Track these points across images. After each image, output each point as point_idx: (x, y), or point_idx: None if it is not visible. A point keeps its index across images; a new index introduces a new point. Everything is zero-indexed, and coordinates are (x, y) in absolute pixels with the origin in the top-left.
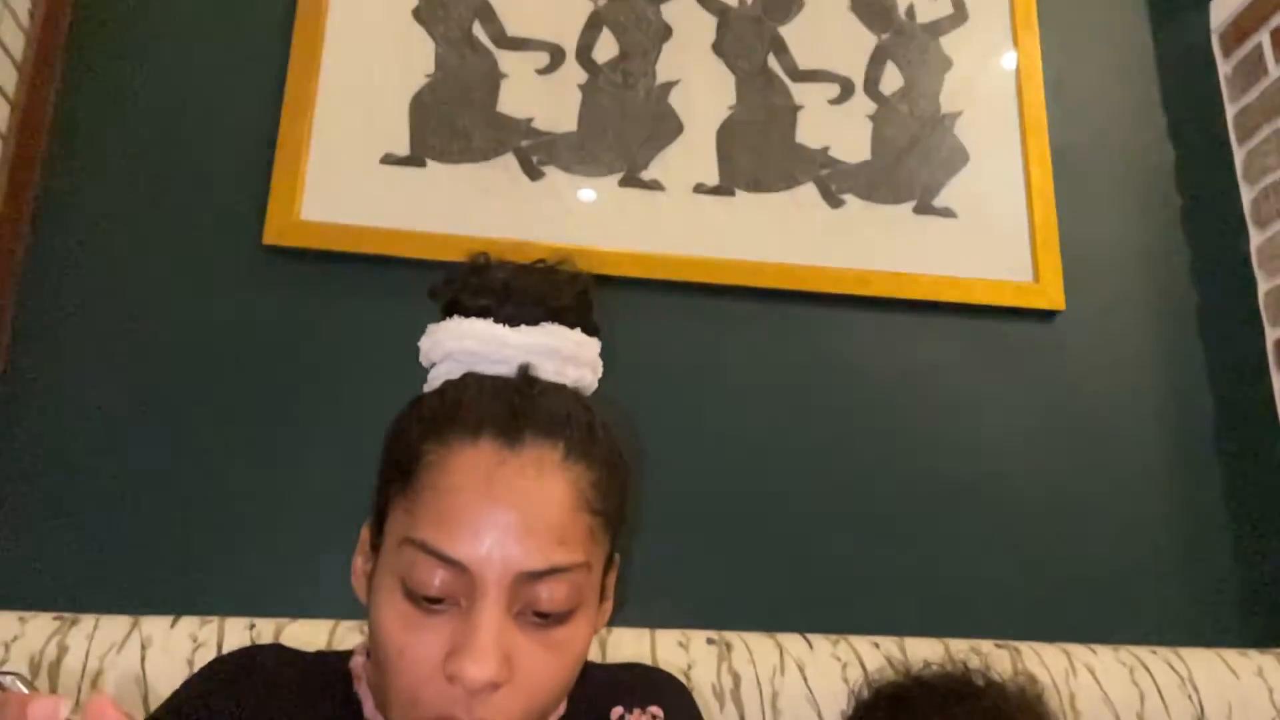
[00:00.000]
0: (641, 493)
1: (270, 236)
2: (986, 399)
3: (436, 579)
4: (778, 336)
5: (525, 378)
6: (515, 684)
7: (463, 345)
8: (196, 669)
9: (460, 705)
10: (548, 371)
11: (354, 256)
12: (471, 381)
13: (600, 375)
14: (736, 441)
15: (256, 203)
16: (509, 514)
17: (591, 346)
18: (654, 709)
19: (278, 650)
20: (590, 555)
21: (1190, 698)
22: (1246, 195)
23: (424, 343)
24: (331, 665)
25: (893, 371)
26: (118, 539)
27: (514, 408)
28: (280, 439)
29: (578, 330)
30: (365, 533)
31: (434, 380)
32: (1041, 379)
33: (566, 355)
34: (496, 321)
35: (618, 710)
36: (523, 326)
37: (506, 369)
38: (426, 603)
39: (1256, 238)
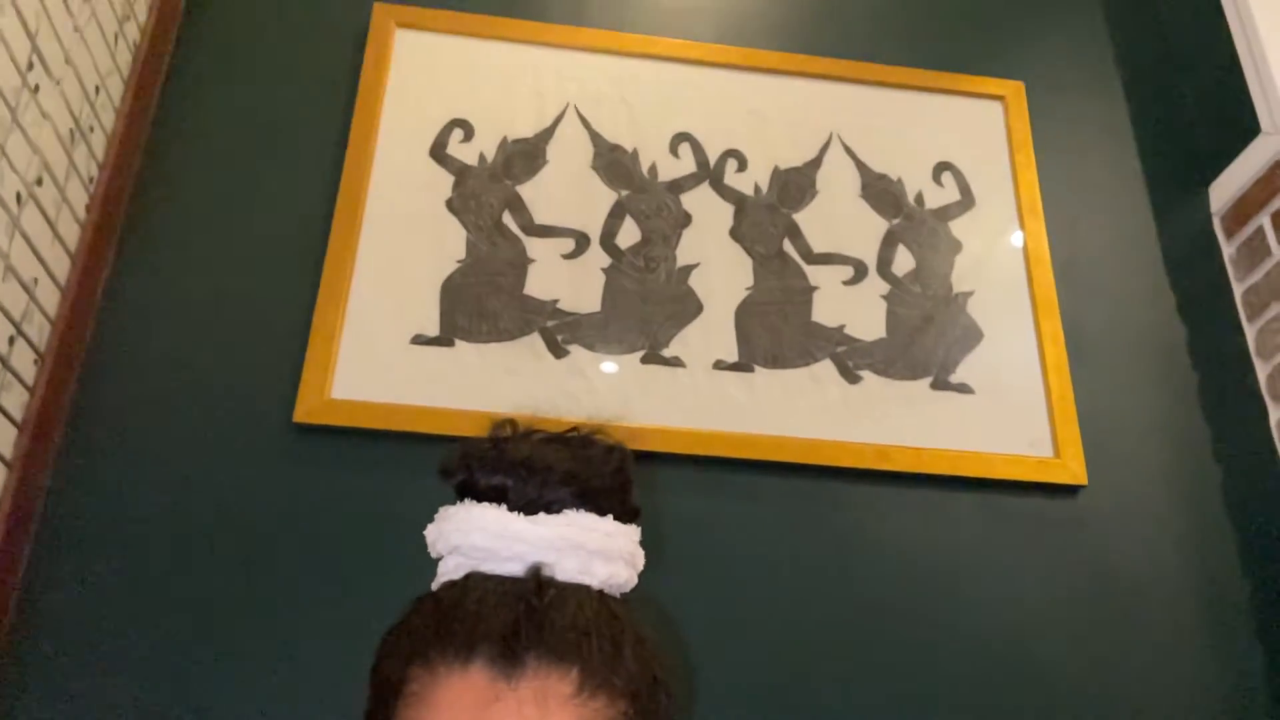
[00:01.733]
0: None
1: (301, 414)
2: (1011, 574)
3: None
4: (799, 511)
5: (536, 583)
6: None
7: (470, 539)
8: None
9: None
10: (569, 570)
11: (383, 434)
12: (472, 587)
13: (641, 568)
14: (756, 616)
15: (289, 382)
16: None
17: (627, 536)
18: None
19: None
20: None
21: None
22: (1262, 371)
23: (430, 532)
24: None
25: (914, 546)
26: (101, 684)
27: (516, 625)
28: (314, 616)
29: (609, 517)
30: None
31: (442, 576)
32: (1067, 554)
33: (593, 549)
34: (512, 508)
35: None
36: (541, 515)
37: (519, 567)
38: None
39: (1275, 412)
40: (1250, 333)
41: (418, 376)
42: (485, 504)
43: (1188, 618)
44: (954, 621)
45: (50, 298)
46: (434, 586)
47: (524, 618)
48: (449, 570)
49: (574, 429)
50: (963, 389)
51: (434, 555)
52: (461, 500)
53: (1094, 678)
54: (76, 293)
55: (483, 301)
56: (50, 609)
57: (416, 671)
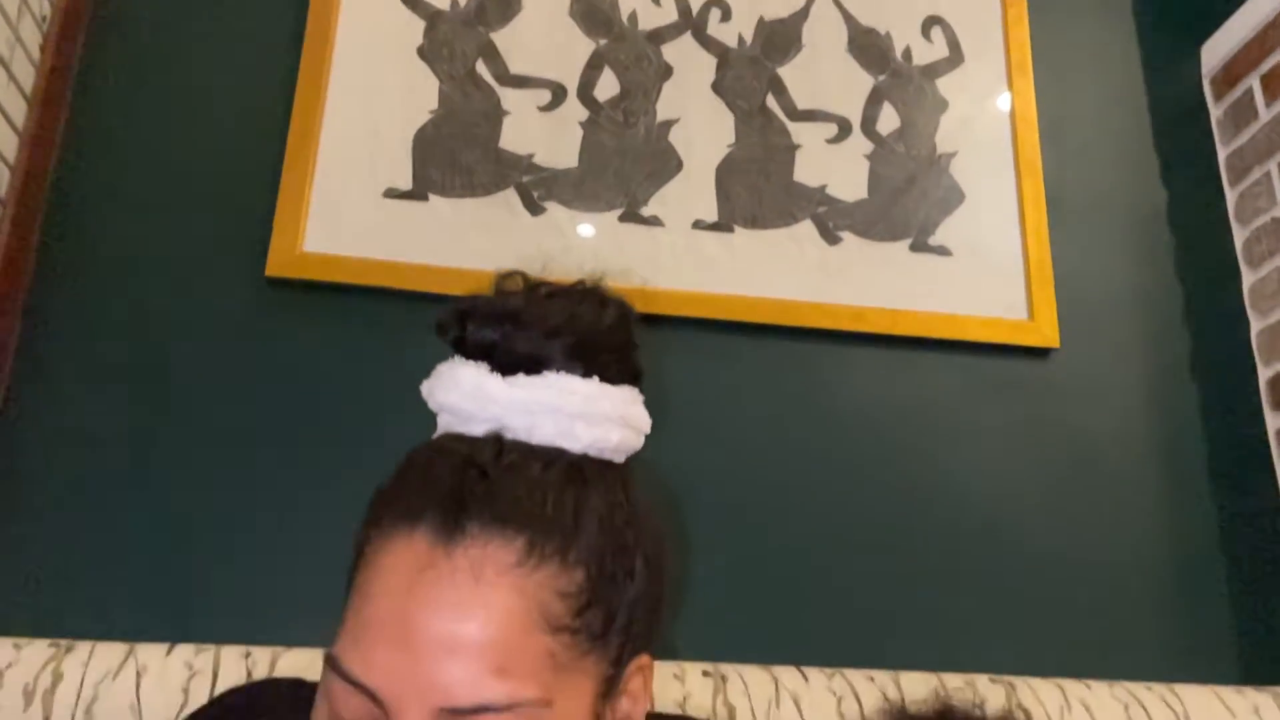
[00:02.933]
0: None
1: (273, 269)
2: (981, 435)
3: (348, 708)
4: (774, 372)
5: (496, 446)
6: None
7: (449, 399)
8: (191, 697)
9: None
10: (547, 434)
11: (356, 289)
12: (437, 449)
13: (645, 429)
14: (730, 475)
15: (260, 236)
16: (428, 632)
17: (617, 398)
18: None
19: (295, 687)
20: (549, 689)
21: None
22: (1239, 236)
23: (424, 388)
24: None
25: (888, 408)
26: (115, 567)
27: (462, 490)
28: (280, 471)
29: (594, 379)
30: None
31: (438, 431)
32: (1036, 416)
33: (573, 412)
34: (497, 366)
35: None
36: (520, 377)
37: (493, 429)
38: None
39: (1249, 278)
40: (1231, 198)
41: (391, 231)
42: (468, 362)
43: (1149, 477)
44: (925, 480)
45: (8, 143)
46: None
47: (471, 482)
48: (440, 428)
49: (579, 282)
50: (941, 251)
51: (435, 410)
52: (455, 356)
53: (1057, 534)
54: (34, 138)
55: (456, 154)
56: (15, 467)
57: (371, 533)
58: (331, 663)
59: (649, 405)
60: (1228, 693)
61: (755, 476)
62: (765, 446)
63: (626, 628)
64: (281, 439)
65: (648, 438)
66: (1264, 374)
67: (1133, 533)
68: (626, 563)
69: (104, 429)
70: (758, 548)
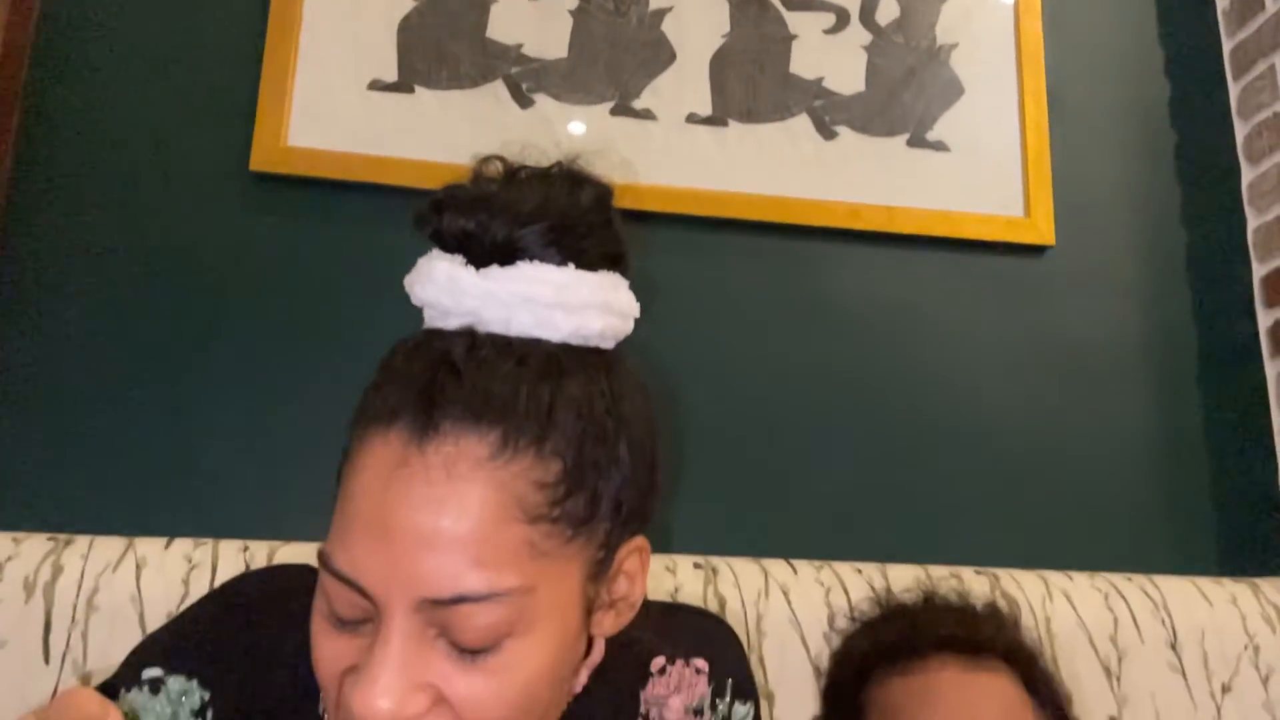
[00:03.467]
0: None
1: (257, 163)
2: (974, 332)
3: (342, 601)
4: (768, 270)
5: (468, 341)
6: (449, 712)
7: (426, 293)
8: (191, 589)
9: None
10: (524, 325)
11: (342, 184)
12: (414, 345)
13: (632, 314)
14: (722, 373)
15: (243, 130)
16: (405, 528)
17: (595, 284)
18: (699, 661)
19: (304, 574)
20: (532, 576)
21: (1163, 623)
22: (1240, 131)
23: (406, 282)
24: None
25: (881, 306)
26: (110, 462)
27: (432, 387)
28: (271, 363)
29: (570, 266)
30: None
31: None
32: (1029, 314)
33: (549, 302)
34: (473, 257)
35: (659, 660)
36: (493, 269)
37: (471, 324)
38: (344, 623)
39: (1248, 174)
40: (1234, 91)
41: (376, 125)
42: (444, 255)
43: (1138, 375)
44: (916, 378)
45: None
46: None
47: (443, 379)
48: (425, 322)
49: (555, 164)
50: (939, 147)
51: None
52: (434, 249)
53: (1045, 431)
54: (8, 28)
55: (442, 44)
56: (9, 363)
57: (355, 433)
58: (323, 559)
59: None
60: (1206, 583)
61: (747, 375)
62: (758, 345)
63: (614, 512)
64: (269, 335)
65: (640, 335)
66: (1258, 271)
67: (1118, 429)
68: (609, 450)
69: (94, 327)
70: (749, 444)
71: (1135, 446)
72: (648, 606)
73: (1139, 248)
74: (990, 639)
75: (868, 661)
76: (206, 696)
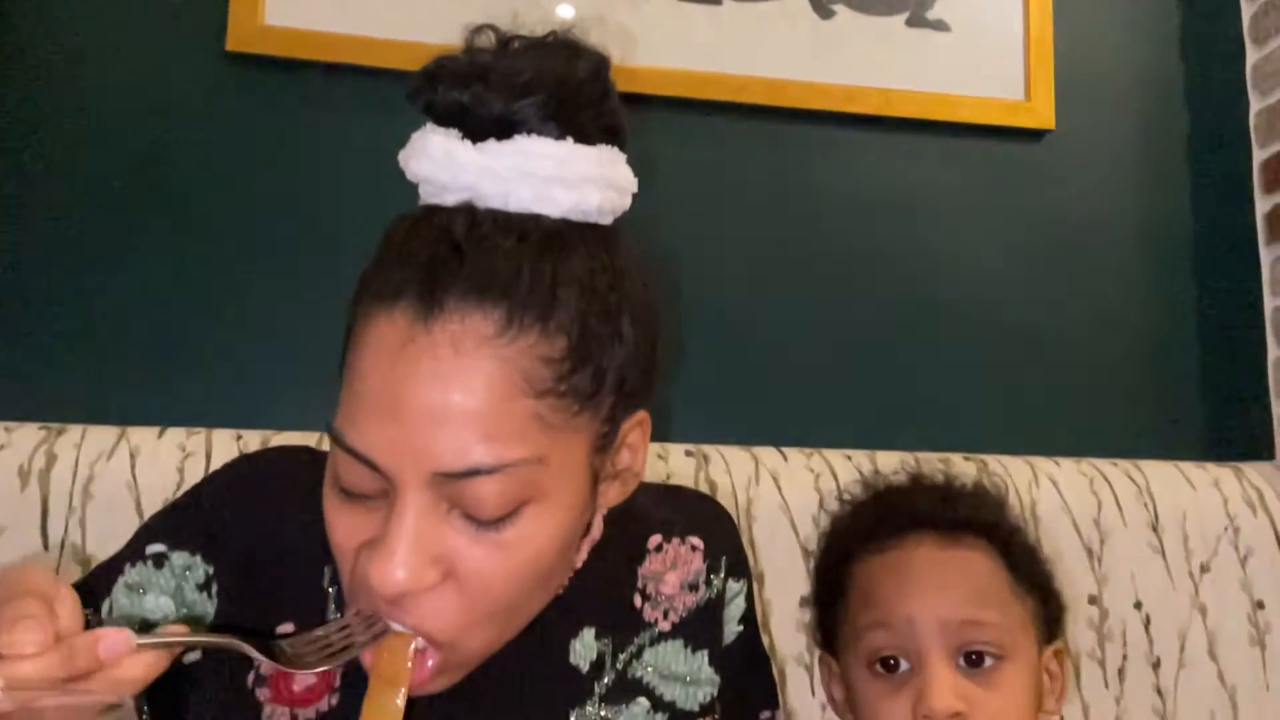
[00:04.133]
0: None
1: (233, 43)
2: (968, 219)
3: (356, 476)
4: (761, 155)
5: (469, 217)
6: (453, 586)
7: (421, 169)
8: (186, 477)
9: (390, 611)
10: (523, 200)
11: (323, 65)
12: (413, 223)
13: (630, 189)
14: (715, 262)
15: (219, 8)
16: (415, 405)
17: (593, 158)
18: (694, 539)
19: (302, 455)
20: (541, 447)
21: (1146, 506)
22: (1247, 11)
23: (401, 157)
24: None
25: (876, 192)
26: (98, 353)
27: (435, 264)
28: (257, 250)
29: (568, 140)
30: None
31: (421, 202)
32: (1026, 199)
33: (548, 176)
34: (469, 131)
35: (655, 538)
36: (490, 142)
37: (469, 199)
38: (356, 497)
39: (1253, 55)
40: None
41: (356, 3)
42: (439, 129)
43: (1134, 261)
44: (909, 265)
45: None
46: None
47: (445, 257)
48: (421, 199)
49: (551, 33)
50: (939, 26)
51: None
52: (428, 123)
53: (1037, 318)
54: None
55: None
56: None
57: (357, 312)
58: (335, 435)
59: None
60: (1190, 467)
61: (740, 262)
62: (750, 231)
63: (618, 387)
64: (253, 221)
65: (631, 221)
66: (1259, 156)
67: (1112, 316)
68: (612, 325)
69: (78, 214)
70: (741, 332)
71: (1128, 333)
72: (644, 487)
73: (1139, 132)
74: (969, 517)
75: (850, 541)
76: (211, 571)
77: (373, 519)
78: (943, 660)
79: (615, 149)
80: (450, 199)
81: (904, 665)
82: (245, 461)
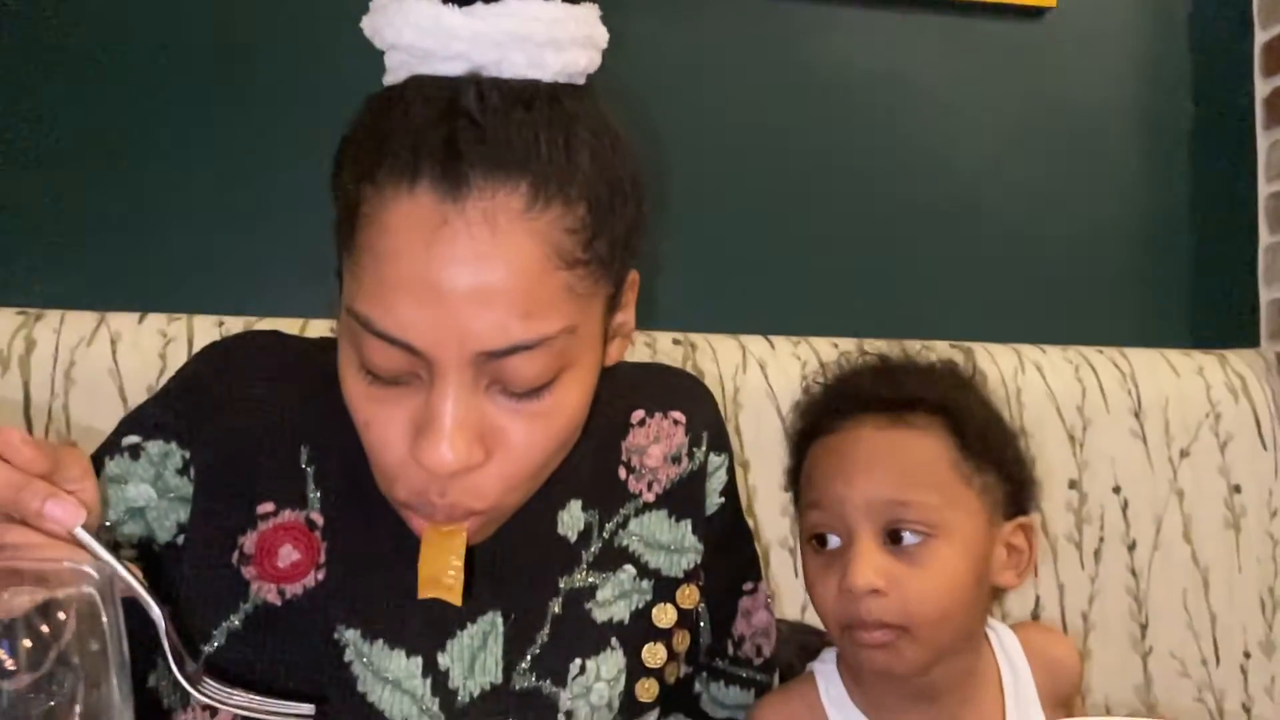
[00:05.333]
0: None
1: None
2: (963, 101)
3: (388, 359)
4: (749, 33)
5: (476, 90)
6: (497, 460)
7: (403, 37)
8: (169, 363)
9: (434, 488)
10: (517, 66)
11: None
12: (410, 96)
13: (603, 46)
14: (704, 142)
15: None
16: (455, 286)
17: (581, 17)
18: (675, 413)
19: (280, 337)
20: (572, 317)
21: (1129, 393)
22: None
23: (366, 25)
24: (333, 356)
25: (869, 72)
26: (76, 236)
27: (455, 141)
28: (239, 132)
29: (555, 1)
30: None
31: (389, 71)
32: (1022, 81)
33: (541, 40)
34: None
35: (638, 413)
36: (478, 6)
37: (461, 67)
38: (385, 380)
39: None
40: None
41: None
42: None
43: (1129, 146)
44: (900, 148)
45: None
46: (385, 82)
47: (463, 132)
48: (395, 66)
49: None
50: None
51: (381, 47)
52: None
53: (1029, 204)
54: None
55: None
56: None
57: (367, 191)
58: (363, 320)
59: (621, 60)
60: (1175, 355)
61: (726, 146)
62: (738, 113)
63: (625, 247)
64: (233, 100)
65: (617, 100)
66: (1260, 38)
67: (1104, 202)
68: (620, 187)
69: (57, 94)
70: (727, 218)
71: (1120, 219)
72: (627, 364)
73: (1139, 11)
74: (916, 395)
75: (805, 425)
76: (187, 455)
77: (406, 403)
78: (868, 538)
79: (592, 4)
80: (440, 67)
81: (834, 542)
82: (213, 348)
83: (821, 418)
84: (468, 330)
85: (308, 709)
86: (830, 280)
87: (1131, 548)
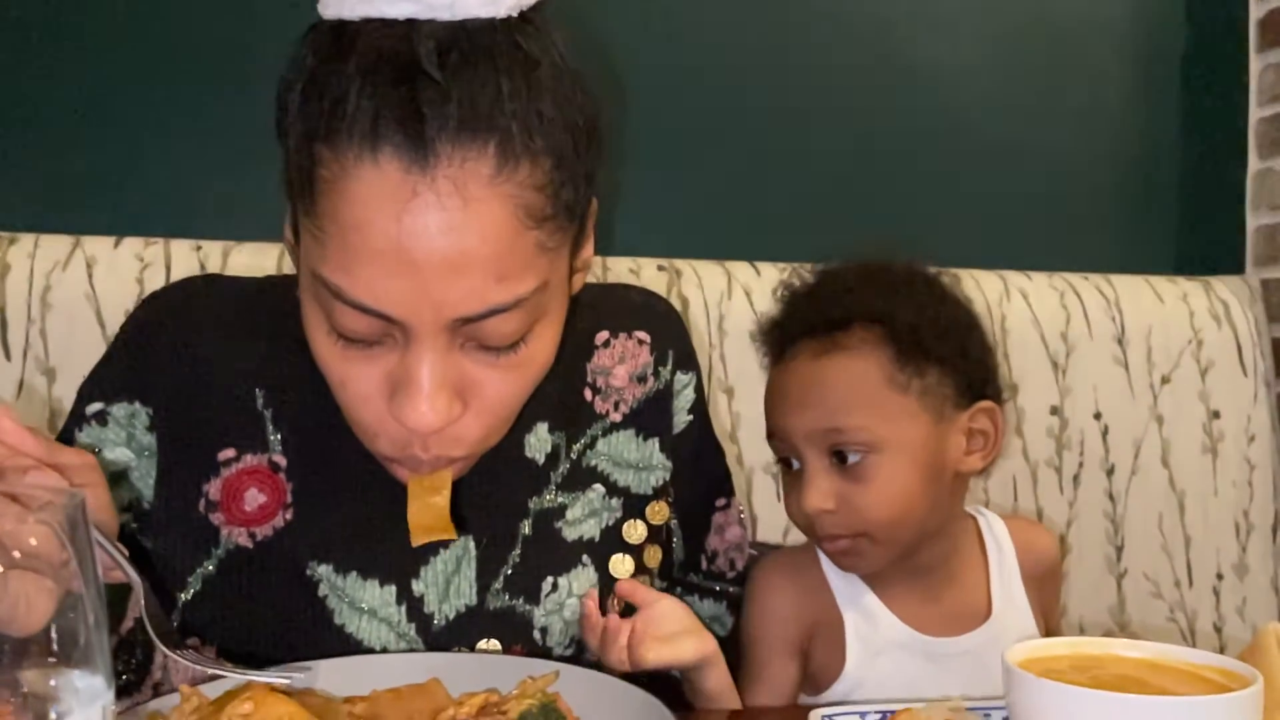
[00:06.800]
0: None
1: None
2: (952, 20)
3: (361, 325)
4: None
5: (435, 43)
6: (475, 410)
7: None
8: (147, 287)
9: (417, 443)
10: (470, 6)
11: None
12: (360, 46)
13: None
14: (686, 67)
15: None
16: (429, 257)
17: None
18: (640, 333)
19: (217, 281)
20: (545, 272)
21: (1113, 319)
22: None
23: None
24: (280, 293)
25: None
26: (51, 159)
27: (417, 103)
28: (221, 52)
29: None
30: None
31: (333, 4)
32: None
33: None
34: None
35: (602, 334)
36: None
37: (411, 7)
38: (358, 341)
39: None
40: None
41: None
42: None
43: (1123, 71)
44: (889, 69)
45: None
46: (323, 14)
47: (425, 92)
48: (338, 8)
49: None
50: None
51: None
52: None
53: (1019, 128)
54: None
55: None
56: None
57: (323, 154)
58: (333, 290)
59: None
60: (1160, 281)
61: (710, 68)
62: (722, 32)
63: (588, 185)
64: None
65: (597, 19)
66: None
67: (1095, 128)
68: (582, 130)
69: (29, 15)
70: (711, 140)
71: (1108, 145)
72: (590, 287)
73: None
74: (848, 314)
75: (764, 353)
76: (150, 411)
77: (381, 361)
78: (816, 464)
79: None
80: (387, 9)
81: (796, 464)
82: (152, 301)
83: (769, 347)
84: (444, 299)
85: (304, 668)
86: (816, 205)
87: (1110, 472)
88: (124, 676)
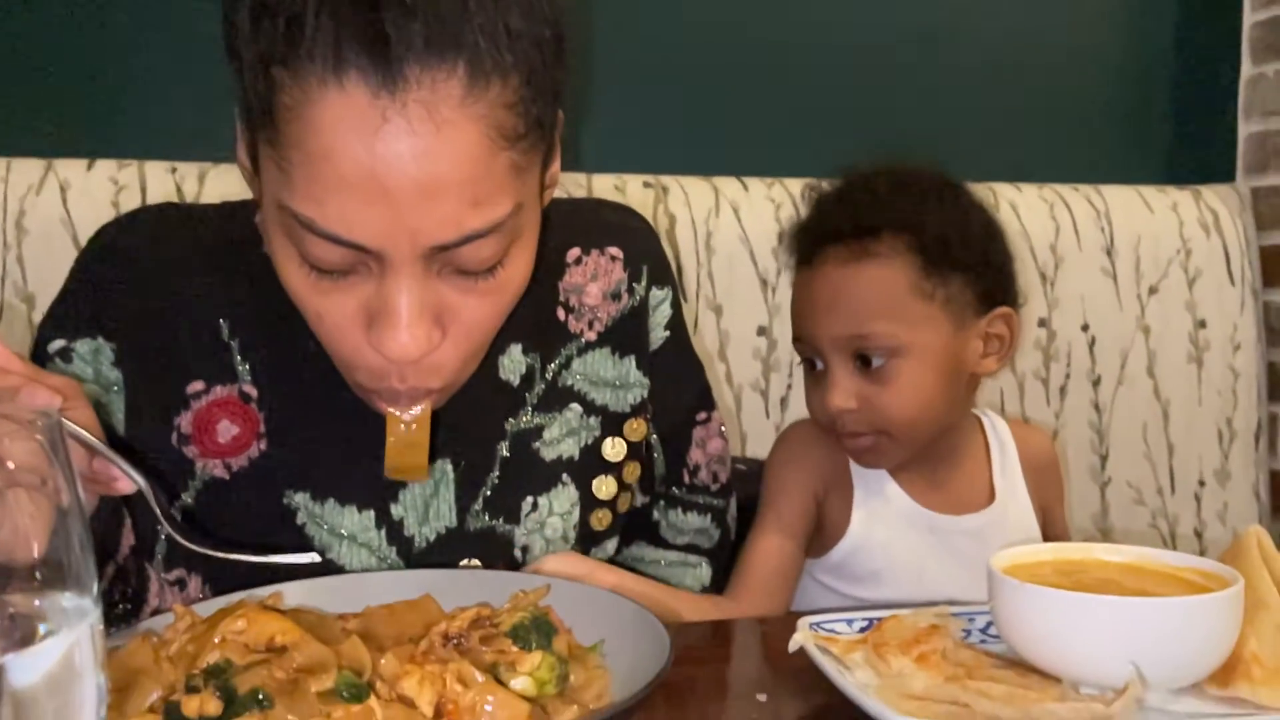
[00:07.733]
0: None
1: None
2: None
3: (335, 256)
4: None
5: None
6: (453, 337)
7: None
8: (123, 210)
9: (395, 374)
10: None
11: None
12: None
13: None
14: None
15: None
16: (402, 184)
17: None
18: (613, 249)
19: (172, 210)
20: (519, 193)
21: (1103, 230)
22: None
23: None
24: (239, 222)
25: None
26: (19, 77)
27: (381, 23)
28: None
29: None
30: (238, 126)
31: None
32: None
33: None
34: None
35: (574, 252)
36: None
37: None
38: (331, 272)
39: None
40: None
41: None
42: None
43: None
44: None
45: None
46: None
47: (389, 10)
48: None
49: None
50: None
51: None
52: None
53: (1011, 39)
54: None
55: None
56: None
57: (282, 78)
58: (304, 222)
59: None
60: (1150, 191)
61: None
62: None
63: (556, 97)
64: None
65: None
66: None
67: (1087, 37)
68: (549, 44)
69: None
70: (698, 55)
71: (1101, 53)
72: (559, 203)
73: None
74: (875, 223)
75: (790, 256)
76: (114, 347)
77: (356, 291)
78: (839, 365)
79: None
80: None
81: (820, 365)
82: (111, 229)
83: (796, 250)
84: (419, 227)
85: (311, 557)
86: (805, 120)
87: (1096, 383)
88: (120, 605)
